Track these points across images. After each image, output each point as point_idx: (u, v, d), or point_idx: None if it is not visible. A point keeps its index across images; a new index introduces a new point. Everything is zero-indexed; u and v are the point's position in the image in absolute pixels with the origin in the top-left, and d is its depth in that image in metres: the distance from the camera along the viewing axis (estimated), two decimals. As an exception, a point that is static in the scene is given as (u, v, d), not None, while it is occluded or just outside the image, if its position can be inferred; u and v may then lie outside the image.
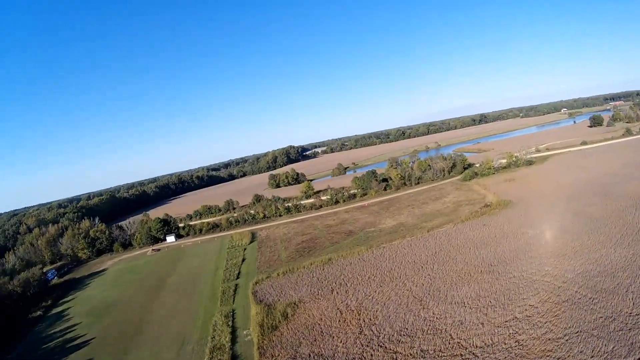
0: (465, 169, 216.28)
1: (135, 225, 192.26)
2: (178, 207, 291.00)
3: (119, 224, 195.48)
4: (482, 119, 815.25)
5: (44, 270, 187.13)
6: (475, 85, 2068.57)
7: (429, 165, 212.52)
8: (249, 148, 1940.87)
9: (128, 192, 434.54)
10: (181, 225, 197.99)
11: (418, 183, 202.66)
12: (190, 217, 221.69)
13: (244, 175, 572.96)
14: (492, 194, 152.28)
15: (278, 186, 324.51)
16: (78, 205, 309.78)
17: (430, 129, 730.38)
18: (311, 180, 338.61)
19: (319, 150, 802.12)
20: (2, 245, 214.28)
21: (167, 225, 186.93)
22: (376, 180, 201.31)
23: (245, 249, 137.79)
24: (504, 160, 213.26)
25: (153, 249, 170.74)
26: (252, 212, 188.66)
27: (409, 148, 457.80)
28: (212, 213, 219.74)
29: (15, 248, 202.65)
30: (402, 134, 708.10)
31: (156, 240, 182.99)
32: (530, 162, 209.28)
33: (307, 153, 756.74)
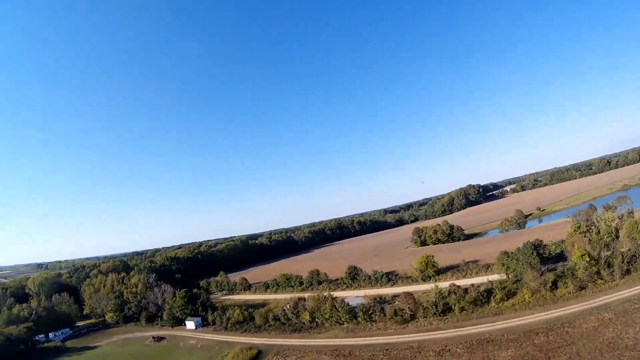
0: None
1: (167, 294, 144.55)
2: (301, 263, 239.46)
3: (161, 288, 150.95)
4: None
5: (78, 324, 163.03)
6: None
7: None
8: (443, 186, 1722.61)
9: (270, 237, 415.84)
10: (224, 298, 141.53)
11: (627, 272, 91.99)
12: (266, 287, 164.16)
13: (416, 220, 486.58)
14: None
15: (424, 244, 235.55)
16: (197, 250, 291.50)
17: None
18: (470, 237, 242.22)
19: (508, 188, 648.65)
20: (72, 286, 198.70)
21: (193, 304, 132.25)
22: (541, 261, 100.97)
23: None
24: None
25: (154, 337, 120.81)
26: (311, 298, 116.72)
27: (615, 183, 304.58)
28: (291, 286, 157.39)
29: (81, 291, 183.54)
30: (607, 163, 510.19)
31: (179, 321, 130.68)
32: None
33: (494, 192, 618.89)
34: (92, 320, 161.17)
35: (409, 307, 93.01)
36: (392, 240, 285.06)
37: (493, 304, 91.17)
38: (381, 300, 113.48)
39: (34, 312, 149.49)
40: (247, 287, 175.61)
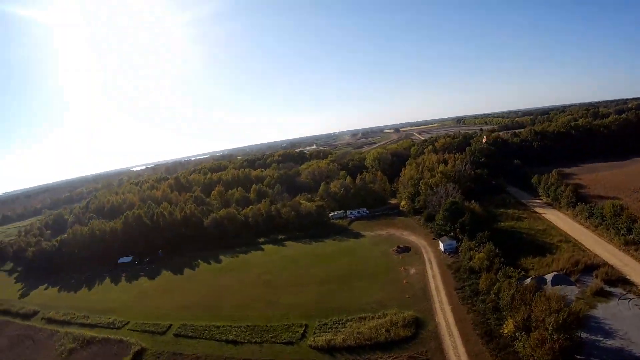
0: None
1: (450, 197, 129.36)
2: None
3: (446, 188, 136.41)
4: None
5: (391, 202, 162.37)
6: None
7: None
8: None
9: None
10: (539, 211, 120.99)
11: None
12: (590, 215, 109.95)
13: None
14: None
15: None
16: (573, 123, 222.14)
17: None
18: None
19: None
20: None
21: (452, 222, 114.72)
22: None
23: None
24: None
25: (399, 247, 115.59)
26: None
27: None
28: (615, 227, 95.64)
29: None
30: None
31: (440, 236, 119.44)
32: None
33: None
34: (396, 202, 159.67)
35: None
36: None
37: None
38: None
39: (343, 189, 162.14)
40: (572, 202, 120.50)
